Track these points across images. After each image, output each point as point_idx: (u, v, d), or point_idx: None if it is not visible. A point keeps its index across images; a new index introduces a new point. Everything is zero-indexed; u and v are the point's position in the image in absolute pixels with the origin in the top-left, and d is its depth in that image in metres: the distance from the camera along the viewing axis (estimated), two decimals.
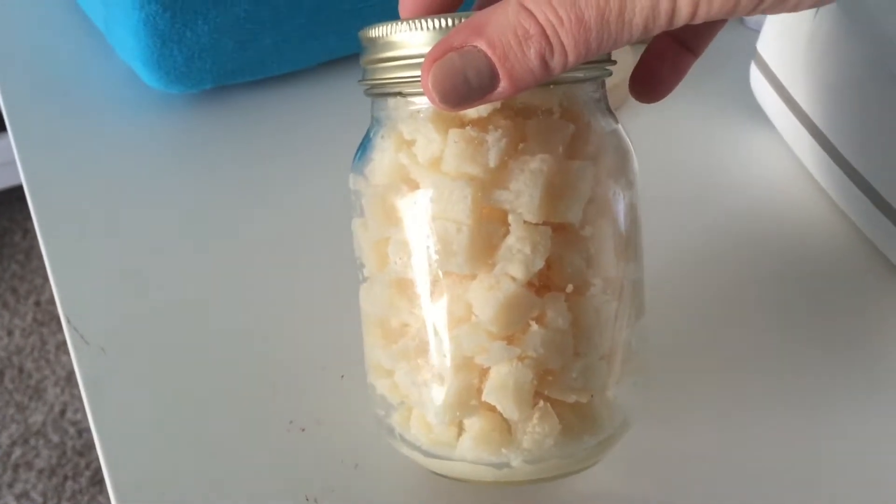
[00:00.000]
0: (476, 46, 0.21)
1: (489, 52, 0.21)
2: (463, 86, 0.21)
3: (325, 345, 0.32)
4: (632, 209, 0.26)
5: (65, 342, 1.04)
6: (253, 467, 0.29)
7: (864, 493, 0.28)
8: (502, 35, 0.21)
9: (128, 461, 0.29)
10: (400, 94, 0.24)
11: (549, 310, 0.24)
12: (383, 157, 0.25)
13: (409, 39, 0.23)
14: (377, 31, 0.24)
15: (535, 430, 0.25)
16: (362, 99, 0.43)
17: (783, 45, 0.34)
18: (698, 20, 0.20)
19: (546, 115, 0.24)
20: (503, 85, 0.21)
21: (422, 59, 0.22)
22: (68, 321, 0.33)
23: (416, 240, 0.24)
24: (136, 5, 0.36)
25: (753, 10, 0.20)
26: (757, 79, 0.37)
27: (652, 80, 0.26)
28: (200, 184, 0.38)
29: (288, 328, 0.33)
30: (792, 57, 0.34)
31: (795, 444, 0.30)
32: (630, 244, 0.26)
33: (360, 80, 0.26)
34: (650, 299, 0.28)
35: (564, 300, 0.24)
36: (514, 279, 0.23)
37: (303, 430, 0.30)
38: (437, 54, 0.21)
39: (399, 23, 0.23)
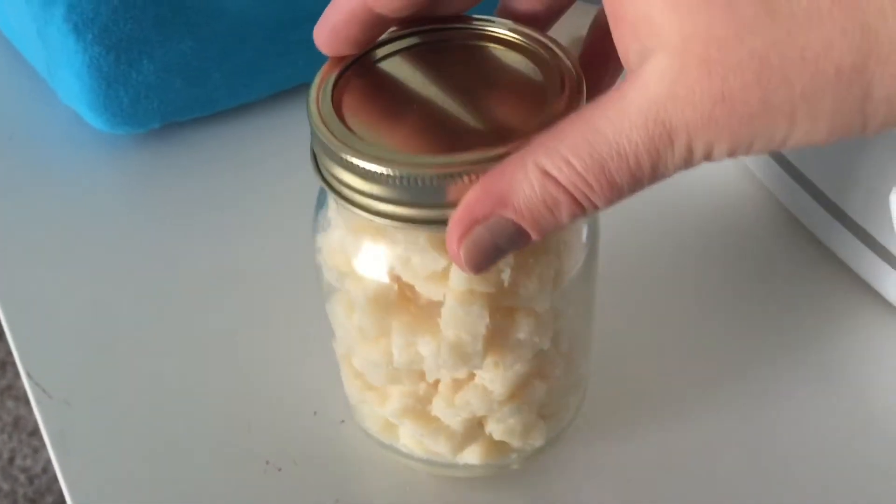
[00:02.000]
0: (503, 216, 0.20)
1: (519, 221, 0.20)
2: (494, 253, 0.21)
3: (295, 382, 0.32)
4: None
5: (9, 388, 1.01)
6: None
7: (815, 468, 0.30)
8: (531, 205, 0.20)
9: None
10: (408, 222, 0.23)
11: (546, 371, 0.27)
12: (373, 257, 0.24)
13: (437, 192, 0.22)
14: (397, 171, 0.21)
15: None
16: (307, 129, 0.42)
17: None
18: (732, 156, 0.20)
19: None
20: (533, 237, 0.21)
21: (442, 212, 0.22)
22: (29, 376, 0.32)
23: (422, 344, 0.25)
24: (78, 48, 0.35)
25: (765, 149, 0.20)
26: None
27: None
28: (156, 225, 0.37)
29: (258, 368, 0.33)
30: None
31: (745, 431, 0.31)
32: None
33: (329, 188, 0.23)
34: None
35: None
36: (523, 363, 0.26)
37: (279, 469, 0.30)
38: (464, 229, 0.21)
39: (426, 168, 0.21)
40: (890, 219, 0.30)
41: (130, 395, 0.32)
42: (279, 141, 0.40)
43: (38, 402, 0.32)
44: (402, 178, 0.21)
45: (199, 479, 0.30)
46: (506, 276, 0.23)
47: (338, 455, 0.31)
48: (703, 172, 0.37)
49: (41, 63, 0.38)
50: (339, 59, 0.24)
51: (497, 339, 0.25)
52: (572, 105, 0.22)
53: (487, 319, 0.24)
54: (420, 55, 0.25)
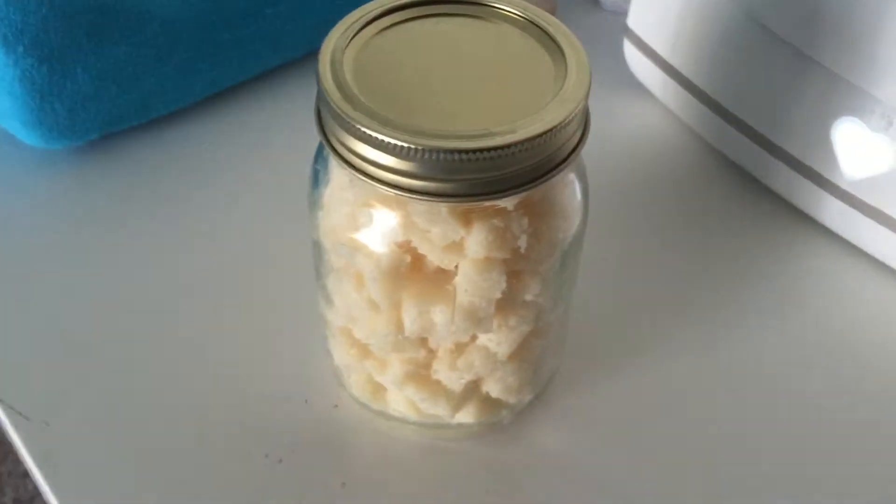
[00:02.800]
0: None
1: None
2: None
3: (281, 374, 0.32)
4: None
5: None
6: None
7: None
8: None
9: None
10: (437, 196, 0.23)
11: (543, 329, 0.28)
12: (385, 230, 0.25)
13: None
14: (424, 145, 0.22)
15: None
16: (246, 129, 0.42)
17: (654, 17, 0.37)
18: None
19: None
20: None
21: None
22: (1, 401, 0.31)
23: (436, 312, 0.26)
24: (9, 62, 0.34)
25: None
26: (632, 54, 0.39)
27: None
28: (107, 236, 0.36)
29: (238, 365, 0.32)
30: (664, 26, 0.37)
31: (708, 366, 0.33)
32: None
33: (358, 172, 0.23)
34: None
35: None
36: (526, 323, 0.27)
37: (280, 461, 0.30)
38: None
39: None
40: (829, 148, 0.33)
41: (110, 406, 0.31)
42: (219, 143, 0.40)
43: (16, 426, 0.30)
44: (428, 152, 0.22)
45: (201, 480, 0.29)
46: (522, 242, 0.24)
47: (336, 438, 0.31)
48: (634, 125, 0.40)
49: None
50: (346, 27, 0.25)
51: (506, 301, 0.25)
52: (577, 89, 0.23)
53: (504, 284, 0.25)
54: (428, 26, 0.25)
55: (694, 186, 0.39)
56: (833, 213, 0.35)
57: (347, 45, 0.24)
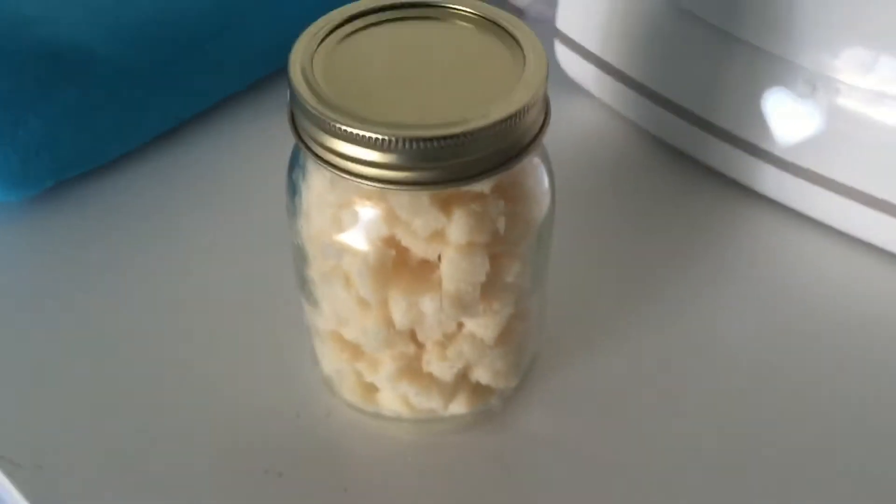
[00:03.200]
0: None
1: None
2: None
3: (269, 392, 0.33)
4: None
5: None
6: None
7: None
8: None
9: None
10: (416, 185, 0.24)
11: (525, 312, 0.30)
12: (369, 228, 0.26)
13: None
14: (402, 135, 0.23)
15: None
16: (200, 161, 0.43)
17: (583, 16, 0.39)
18: None
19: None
20: None
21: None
22: None
23: (424, 302, 0.27)
24: None
25: None
26: (564, 55, 0.41)
27: None
28: (74, 278, 0.36)
29: (224, 388, 0.33)
30: (593, 24, 0.39)
31: (675, 337, 0.35)
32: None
33: (324, 163, 0.25)
34: None
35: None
36: (509, 305, 0.28)
37: (280, 474, 0.30)
38: None
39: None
40: (761, 119, 0.35)
41: (101, 440, 0.31)
42: (176, 181, 0.40)
43: (10, 474, 0.30)
44: (409, 141, 0.23)
45: (206, 502, 0.29)
46: (500, 224, 0.25)
47: (332, 446, 0.31)
48: (574, 123, 0.42)
49: None
50: (311, 35, 0.26)
51: (489, 285, 0.27)
52: (537, 73, 0.25)
53: (488, 266, 0.26)
54: (390, 30, 0.27)
55: (638, 173, 0.41)
56: (770, 180, 0.37)
57: (315, 52, 0.25)
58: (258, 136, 0.42)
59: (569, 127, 0.42)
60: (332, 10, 0.27)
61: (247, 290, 0.36)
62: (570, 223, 0.37)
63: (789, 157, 0.35)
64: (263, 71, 0.43)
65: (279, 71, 0.44)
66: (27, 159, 0.36)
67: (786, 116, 0.35)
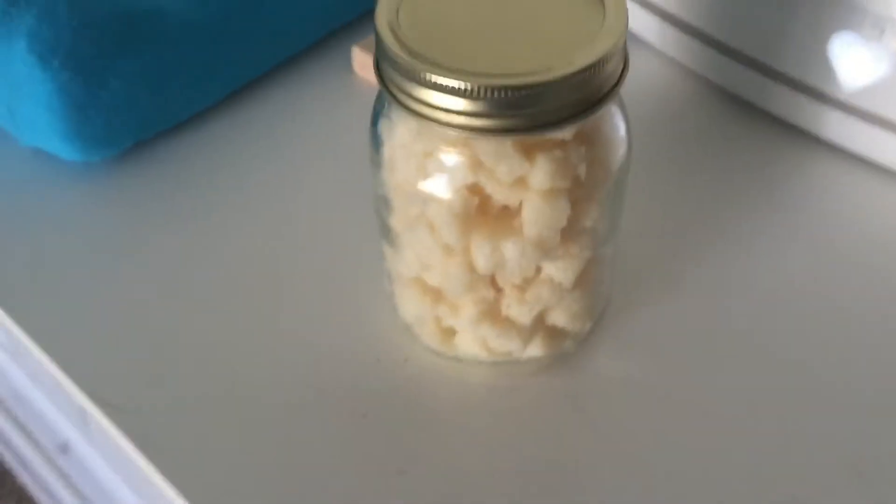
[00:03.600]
0: None
1: None
2: None
3: (350, 338, 0.34)
4: None
5: None
6: (333, 460, 0.31)
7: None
8: None
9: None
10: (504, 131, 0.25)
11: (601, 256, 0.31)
12: (454, 176, 0.27)
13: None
14: (490, 84, 0.24)
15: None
16: (266, 121, 0.44)
17: None
18: None
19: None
20: None
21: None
22: (90, 394, 0.32)
23: (507, 246, 0.27)
24: (46, 77, 0.35)
25: None
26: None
27: None
28: (158, 234, 0.38)
29: (310, 336, 0.34)
30: None
31: (743, 283, 0.36)
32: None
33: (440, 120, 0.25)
34: None
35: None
36: (587, 249, 0.29)
37: (364, 415, 0.32)
38: None
39: None
40: (826, 64, 0.35)
41: (197, 386, 0.33)
42: (249, 137, 0.42)
43: (112, 417, 0.32)
44: (496, 90, 0.24)
45: (299, 441, 0.31)
46: (581, 170, 0.26)
47: (412, 389, 0.33)
48: (639, 76, 0.42)
49: None
50: None
51: (568, 230, 0.28)
52: (618, 21, 0.26)
53: (569, 211, 0.27)
54: None
55: (701, 123, 0.41)
56: (835, 126, 0.37)
57: (399, 5, 0.26)
58: (322, 95, 0.43)
59: (631, 80, 0.43)
60: None
61: (325, 241, 0.37)
62: (638, 173, 0.38)
63: (855, 102, 0.36)
64: (326, 29, 0.44)
65: (340, 30, 0.45)
66: (109, 120, 0.37)
67: (852, 61, 0.35)
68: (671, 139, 0.41)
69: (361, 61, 0.43)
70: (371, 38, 0.43)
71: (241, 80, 0.42)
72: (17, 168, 0.40)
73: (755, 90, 0.39)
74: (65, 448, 0.65)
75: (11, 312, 0.35)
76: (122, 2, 0.37)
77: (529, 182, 0.26)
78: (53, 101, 0.36)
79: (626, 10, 0.26)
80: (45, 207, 0.39)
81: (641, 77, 0.43)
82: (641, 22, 0.42)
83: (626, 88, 0.27)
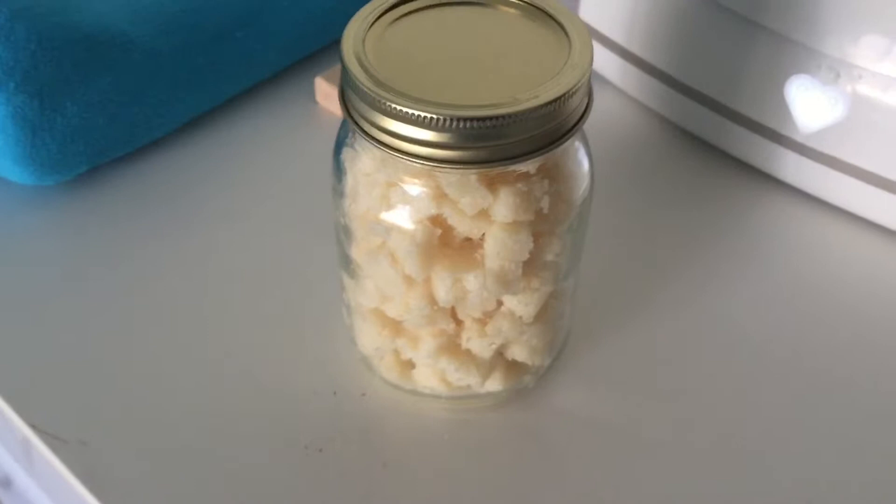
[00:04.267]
0: None
1: None
2: None
3: (305, 372, 0.33)
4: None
5: None
6: (287, 496, 0.30)
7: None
8: None
9: None
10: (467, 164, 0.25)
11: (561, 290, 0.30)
12: (417, 207, 0.26)
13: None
14: (455, 115, 0.24)
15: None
16: (226, 149, 0.44)
17: (608, 8, 0.40)
18: None
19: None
20: None
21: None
22: (34, 427, 0.31)
23: (468, 279, 0.27)
24: (1, 100, 0.34)
25: None
26: None
27: None
28: (111, 259, 0.37)
29: (265, 368, 0.33)
30: (619, 15, 0.40)
31: (703, 316, 0.36)
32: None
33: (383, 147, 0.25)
34: None
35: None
36: (548, 283, 0.29)
37: (320, 450, 0.31)
38: None
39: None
40: (784, 106, 0.36)
41: (143, 416, 0.32)
42: (205, 166, 0.41)
43: (55, 450, 0.31)
44: (462, 121, 0.24)
45: (248, 476, 0.30)
46: (545, 203, 0.26)
47: (369, 424, 0.32)
48: (597, 113, 0.42)
49: None
50: (362, 18, 0.27)
51: (530, 263, 0.27)
52: (583, 56, 0.26)
53: (532, 245, 0.27)
54: (438, 15, 0.27)
55: (659, 161, 0.42)
56: (791, 167, 0.38)
57: (366, 35, 0.26)
58: (284, 124, 0.43)
59: (591, 117, 0.43)
60: (359, 1, 0.27)
61: (279, 272, 0.37)
62: (598, 209, 0.38)
63: (811, 144, 0.36)
64: (289, 60, 0.44)
65: (303, 61, 0.45)
66: (64, 145, 0.37)
67: (808, 103, 0.35)
68: (630, 176, 0.41)
69: (324, 92, 0.43)
70: (334, 70, 0.43)
71: (201, 108, 0.42)
72: None
73: (713, 130, 0.40)
74: (6, 483, 0.62)
75: None
76: (84, 26, 0.37)
77: (492, 214, 0.26)
78: (8, 123, 0.35)
79: (592, 46, 0.26)
80: None
81: (601, 114, 0.43)
82: (602, 60, 0.42)
83: (587, 125, 0.27)
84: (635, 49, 0.40)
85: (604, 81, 0.44)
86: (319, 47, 0.45)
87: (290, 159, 0.42)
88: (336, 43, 0.46)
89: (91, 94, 0.37)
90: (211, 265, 0.37)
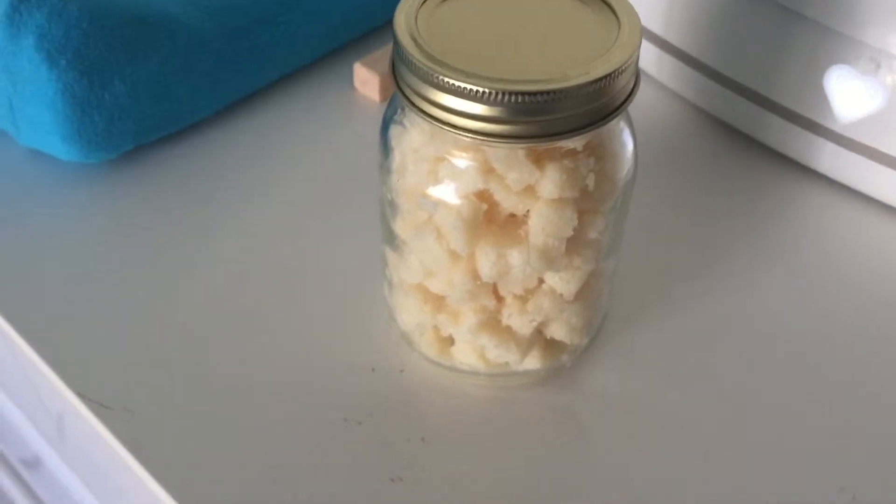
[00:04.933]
0: None
1: None
2: None
3: (343, 349, 0.34)
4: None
5: None
6: (327, 466, 0.31)
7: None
8: None
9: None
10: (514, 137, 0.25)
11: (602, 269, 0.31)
12: (464, 181, 0.27)
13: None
14: (505, 89, 0.24)
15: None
16: (267, 132, 0.44)
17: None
18: None
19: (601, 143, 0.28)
20: None
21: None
22: (80, 395, 0.32)
23: (512, 255, 0.28)
24: (52, 76, 0.35)
25: None
26: None
27: None
28: (157, 237, 0.37)
29: (306, 343, 0.34)
30: (656, 4, 0.40)
31: (738, 305, 0.36)
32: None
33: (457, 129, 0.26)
34: None
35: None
36: (590, 262, 0.29)
37: (359, 423, 0.32)
38: None
39: None
40: (823, 96, 0.36)
41: (190, 388, 0.32)
42: (248, 147, 0.42)
43: (101, 417, 0.31)
44: (512, 95, 0.24)
45: (290, 448, 0.31)
46: (590, 181, 0.27)
47: (408, 399, 0.33)
48: (637, 105, 0.43)
49: None
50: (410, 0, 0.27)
51: (573, 241, 0.28)
52: (632, 35, 0.26)
53: (576, 221, 0.27)
54: None
55: (697, 153, 0.42)
56: (829, 158, 0.38)
57: (418, 11, 0.27)
58: (322, 109, 0.44)
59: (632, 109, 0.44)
60: None
61: (322, 251, 0.37)
62: (637, 195, 0.38)
63: (849, 134, 0.37)
64: (330, 46, 0.45)
65: (341, 47, 0.45)
66: (111, 123, 0.37)
67: (847, 93, 0.36)
68: (667, 166, 0.42)
69: (362, 78, 0.44)
70: (373, 56, 0.44)
71: (244, 91, 0.42)
72: (14, 169, 0.40)
73: (750, 120, 0.40)
74: (34, 463, 0.63)
75: (3, 312, 0.35)
76: (134, 6, 0.37)
77: (538, 190, 0.27)
78: (57, 100, 0.36)
79: (640, 26, 0.27)
80: (40, 208, 0.38)
81: (638, 103, 0.44)
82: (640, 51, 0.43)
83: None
84: (673, 39, 0.41)
85: (641, 73, 0.44)
86: (360, 34, 0.46)
87: (327, 143, 0.42)
88: (374, 31, 0.47)
89: (139, 74, 0.37)
90: (252, 243, 0.38)
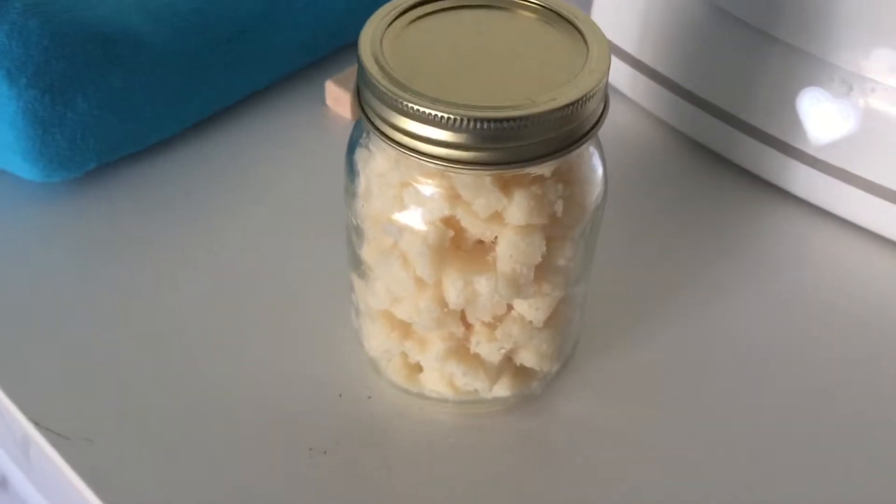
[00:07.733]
0: None
1: None
2: None
3: (310, 375, 0.33)
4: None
5: None
6: (293, 498, 0.30)
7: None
8: None
9: None
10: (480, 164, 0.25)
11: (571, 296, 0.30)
12: (430, 207, 0.26)
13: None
14: (471, 116, 0.24)
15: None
16: (235, 150, 0.44)
17: (619, 18, 0.40)
18: None
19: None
20: None
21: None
22: (36, 423, 0.31)
23: (480, 282, 0.27)
24: (12, 95, 0.34)
25: None
26: None
27: None
28: (118, 258, 0.37)
29: (271, 369, 0.33)
30: (630, 25, 0.40)
31: (712, 326, 0.36)
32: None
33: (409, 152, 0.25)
34: None
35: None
36: (559, 288, 0.29)
37: (325, 452, 0.31)
38: None
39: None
40: (795, 118, 0.36)
41: (148, 415, 0.32)
42: (213, 166, 0.41)
43: (58, 447, 0.31)
44: (478, 122, 0.24)
45: (253, 478, 0.30)
46: (558, 207, 0.26)
47: (375, 427, 0.32)
48: (608, 124, 0.42)
49: None
50: (380, 18, 0.27)
51: (542, 267, 0.27)
52: (601, 61, 0.26)
53: (545, 248, 0.26)
54: (455, 17, 0.27)
55: (669, 172, 0.42)
56: (801, 179, 0.38)
57: (383, 35, 0.26)
58: (293, 127, 0.43)
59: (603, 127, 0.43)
60: (372, 5, 0.27)
61: (286, 274, 0.37)
62: (608, 218, 0.38)
63: (822, 156, 0.36)
64: (301, 63, 0.44)
65: (313, 64, 0.45)
66: (74, 141, 0.37)
67: (820, 116, 0.35)
68: (640, 187, 0.41)
69: (334, 95, 0.43)
70: (345, 74, 0.43)
71: (212, 109, 0.42)
72: None
73: (724, 141, 0.40)
74: (2, 483, 0.62)
75: None
76: (97, 23, 0.37)
77: (506, 217, 0.26)
78: (18, 119, 0.35)
79: (609, 52, 0.26)
80: (0, 228, 0.38)
81: (611, 124, 0.43)
82: (613, 70, 0.42)
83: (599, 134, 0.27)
84: (647, 59, 0.40)
85: (614, 91, 0.44)
86: (330, 51, 0.45)
87: (298, 162, 0.42)
88: (347, 47, 0.46)
89: (102, 92, 0.37)
90: (217, 265, 0.37)
